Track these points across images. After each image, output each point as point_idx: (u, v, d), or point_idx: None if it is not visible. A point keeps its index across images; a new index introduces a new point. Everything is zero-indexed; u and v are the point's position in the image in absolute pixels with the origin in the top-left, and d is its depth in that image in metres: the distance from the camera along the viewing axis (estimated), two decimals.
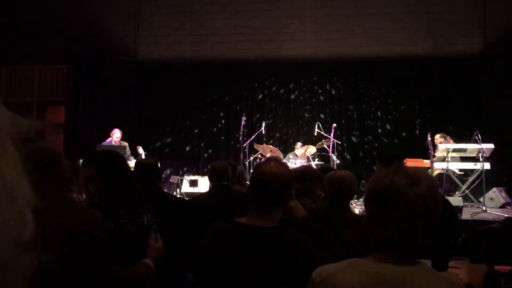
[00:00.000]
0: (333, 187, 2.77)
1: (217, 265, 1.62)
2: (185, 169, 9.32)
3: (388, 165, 3.51)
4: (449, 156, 6.62)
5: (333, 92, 9.22)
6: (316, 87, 9.29)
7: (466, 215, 5.57)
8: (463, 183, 6.76)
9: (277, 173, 1.64)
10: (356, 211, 5.74)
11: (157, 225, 2.02)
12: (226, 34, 9.35)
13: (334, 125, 7.82)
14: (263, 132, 8.36)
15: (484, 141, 6.48)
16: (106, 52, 9.21)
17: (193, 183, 7.69)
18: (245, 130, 8.30)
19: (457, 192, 6.70)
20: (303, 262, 1.51)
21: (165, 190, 3.52)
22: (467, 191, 6.66)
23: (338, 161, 7.96)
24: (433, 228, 1.13)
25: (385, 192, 1.13)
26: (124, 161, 2.12)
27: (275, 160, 1.79)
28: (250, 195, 1.70)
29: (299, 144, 8.16)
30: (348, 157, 8.98)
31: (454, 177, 6.78)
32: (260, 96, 9.46)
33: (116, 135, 7.71)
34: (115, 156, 2.06)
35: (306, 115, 9.28)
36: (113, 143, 7.62)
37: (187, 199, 4.77)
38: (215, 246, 1.67)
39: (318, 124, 8.02)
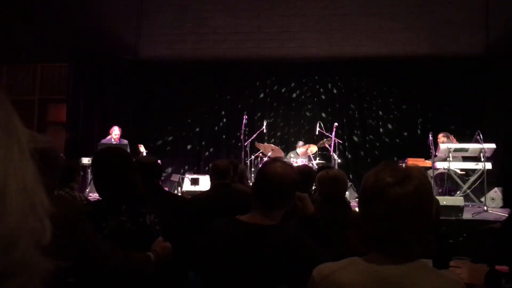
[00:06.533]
0: (328, 187, 2.77)
1: (218, 263, 1.62)
2: (186, 167, 9.33)
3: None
4: (450, 156, 6.62)
5: (335, 91, 9.21)
6: (317, 86, 9.28)
7: (467, 215, 5.55)
8: (464, 183, 6.75)
9: (282, 173, 1.67)
10: (357, 209, 5.75)
11: (159, 224, 2.02)
12: (227, 33, 9.34)
13: (336, 124, 7.81)
14: (265, 131, 8.36)
15: (485, 141, 6.47)
16: (107, 50, 9.21)
17: (194, 182, 7.68)
18: (246, 129, 8.29)
19: (458, 192, 6.69)
20: (302, 260, 1.51)
21: (166, 189, 3.51)
22: (468, 191, 6.65)
23: (339, 160, 7.96)
24: (422, 226, 1.12)
25: (369, 191, 1.13)
26: (131, 158, 2.15)
27: (281, 159, 1.79)
28: (254, 193, 1.71)
29: (300, 143, 8.15)
30: (349, 156, 8.98)
31: (455, 177, 6.77)
32: (262, 95, 9.46)
33: (115, 132, 7.61)
34: (126, 153, 2.15)
35: (308, 114, 9.27)
36: (113, 140, 7.52)
37: (188, 197, 4.77)
38: (216, 244, 1.67)
39: (319, 123, 8.00)
